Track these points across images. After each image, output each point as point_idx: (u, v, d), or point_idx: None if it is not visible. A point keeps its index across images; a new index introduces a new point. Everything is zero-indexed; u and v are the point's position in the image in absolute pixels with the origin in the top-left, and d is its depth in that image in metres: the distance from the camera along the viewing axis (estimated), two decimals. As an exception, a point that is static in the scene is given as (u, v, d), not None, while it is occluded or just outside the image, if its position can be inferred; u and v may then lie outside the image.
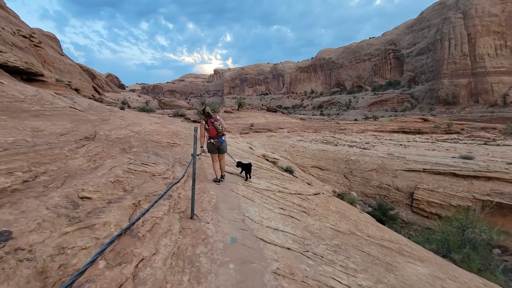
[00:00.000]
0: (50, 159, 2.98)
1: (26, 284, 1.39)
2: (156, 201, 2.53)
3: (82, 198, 2.41)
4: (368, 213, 10.61)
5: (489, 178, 12.23)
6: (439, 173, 13.57)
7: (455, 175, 13.13)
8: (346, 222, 5.46)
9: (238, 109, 39.33)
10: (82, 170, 3.11)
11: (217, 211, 3.55)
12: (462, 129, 28.05)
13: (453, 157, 15.66)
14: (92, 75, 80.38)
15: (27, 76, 10.21)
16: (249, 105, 56.20)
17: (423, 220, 12.13)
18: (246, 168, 5.77)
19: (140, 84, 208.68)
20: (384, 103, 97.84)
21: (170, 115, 23.84)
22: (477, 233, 7.77)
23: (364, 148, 19.36)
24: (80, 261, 1.68)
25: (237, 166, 5.84)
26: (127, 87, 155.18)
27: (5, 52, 8.88)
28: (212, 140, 4.77)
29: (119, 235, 1.96)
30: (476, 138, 23.30)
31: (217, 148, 4.82)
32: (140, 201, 2.83)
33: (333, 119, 70.17)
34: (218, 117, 4.76)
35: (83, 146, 3.98)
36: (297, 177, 11.14)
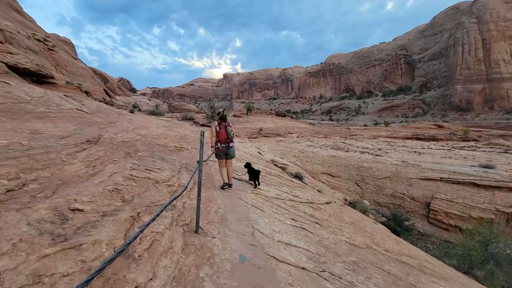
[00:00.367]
0: (44, 164, 2.72)
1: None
2: (158, 215, 2.22)
3: (73, 210, 2.12)
4: (382, 223, 10.08)
5: (513, 189, 11.50)
6: (458, 183, 12.86)
7: (475, 185, 12.40)
8: (361, 235, 5.11)
9: (247, 113, 39.41)
10: (78, 177, 2.84)
11: (225, 223, 3.26)
12: (480, 136, 26.92)
13: (472, 166, 14.88)
14: (104, 78, 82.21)
15: (38, 78, 10.25)
16: (257, 109, 56.16)
17: (441, 232, 11.42)
18: (254, 175, 5.51)
19: (150, 88, 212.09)
20: (394, 109, 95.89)
21: (179, 118, 23.83)
22: (501, 248, 7.16)
23: (377, 155, 18.72)
24: (58, 292, 1.38)
25: (245, 166, 5.69)
26: (138, 91, 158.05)
27: (16, 54, 8.90)
28: (219, 145, 4.63)
29: (111, 260, 1.65)
30: (495, 146, 22.26)
31: (224, 153, 4.69)
32: (139, 213, 2.53)
33: (342, 124, 69.14)
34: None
35: (84, 150, 3.74)
36: (307, 184, 10.72)
